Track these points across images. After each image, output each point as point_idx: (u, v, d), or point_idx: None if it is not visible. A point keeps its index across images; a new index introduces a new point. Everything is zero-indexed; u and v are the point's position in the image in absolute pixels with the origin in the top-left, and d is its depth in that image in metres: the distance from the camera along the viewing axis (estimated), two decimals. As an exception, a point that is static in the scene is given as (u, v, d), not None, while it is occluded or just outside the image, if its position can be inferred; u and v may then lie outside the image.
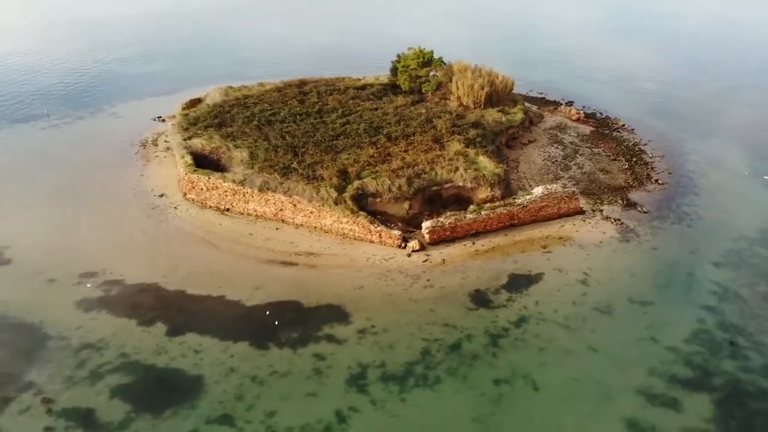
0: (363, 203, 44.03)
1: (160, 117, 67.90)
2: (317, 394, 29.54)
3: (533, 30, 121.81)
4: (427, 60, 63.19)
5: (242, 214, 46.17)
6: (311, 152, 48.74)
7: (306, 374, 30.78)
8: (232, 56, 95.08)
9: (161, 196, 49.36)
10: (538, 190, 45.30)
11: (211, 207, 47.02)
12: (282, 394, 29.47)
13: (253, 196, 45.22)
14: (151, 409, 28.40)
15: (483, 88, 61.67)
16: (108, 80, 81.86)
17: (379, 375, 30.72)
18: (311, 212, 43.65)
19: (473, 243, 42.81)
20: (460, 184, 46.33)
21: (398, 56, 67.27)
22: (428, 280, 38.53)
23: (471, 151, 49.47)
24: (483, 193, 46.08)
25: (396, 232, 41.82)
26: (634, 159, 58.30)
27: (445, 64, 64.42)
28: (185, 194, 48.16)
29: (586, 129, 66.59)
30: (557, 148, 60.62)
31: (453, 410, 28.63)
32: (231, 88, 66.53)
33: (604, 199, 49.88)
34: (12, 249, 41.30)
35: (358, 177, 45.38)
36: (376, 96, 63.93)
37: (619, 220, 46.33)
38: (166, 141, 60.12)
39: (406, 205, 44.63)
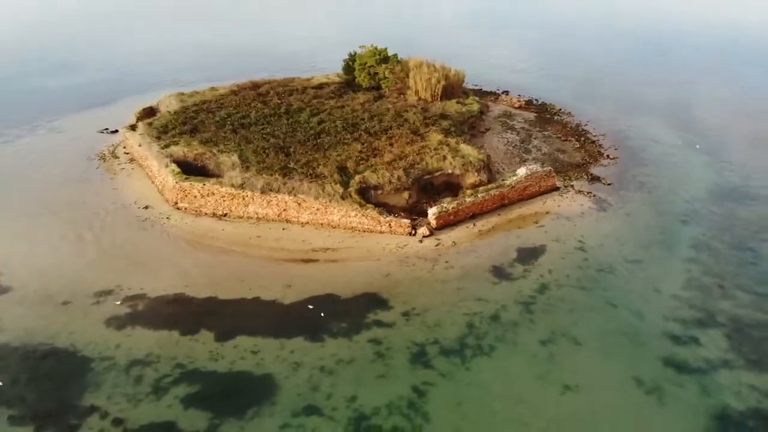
0: (366, 196, 45.49)
1: (108, 129, 64.75)
2: (387, 375, 30.98)
3: (446, 25, 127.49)
4: (383, 57, 65.32)
5: (241, 218, 45.97)
6: (300, 152, 49.32)
7: (369, 358, 32.06)
8: (160, 63, 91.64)
9: (146, 207, 47.79)
10: (521, 171, 49.12)
11: (206, 214, 46.30)
12: (354, 379, 30.58)
13: (253, 199, 45.17)
14: (233, 413, 28.48)
15: (439, 82, 64.91)
16: (33, 94, 76.23)
17: (438, 350, 32.67)
18: (317, 209, 44.45)
19: (474, 225, 45.73)
20: (450, 171, 49.04)
21: (350, 55, 68.98)
22: (447, 261, 40.90)
23: (452, 141, 52.37)
24: (471, 178, 49.10)
25: (405, 221, 43.78)
26: (582, 139, 64.20)
27: (399, 60, 66.87)
28: (176, 203, 46.98)
29: (530, 115, 71.90)
30: (512, 134, 65.12)
31: (515, 372, 31.26)
32: (183, 94, 64.85)
33: (571, 175, 54.82)
34: (5, 275, 38.54)
35: (356, 172, 46.70)
36: (336, 94, 65.12)
37: (590, 192, 51.31)
38: (126, 152, 57.92)
39: (405, 195, 46.65)
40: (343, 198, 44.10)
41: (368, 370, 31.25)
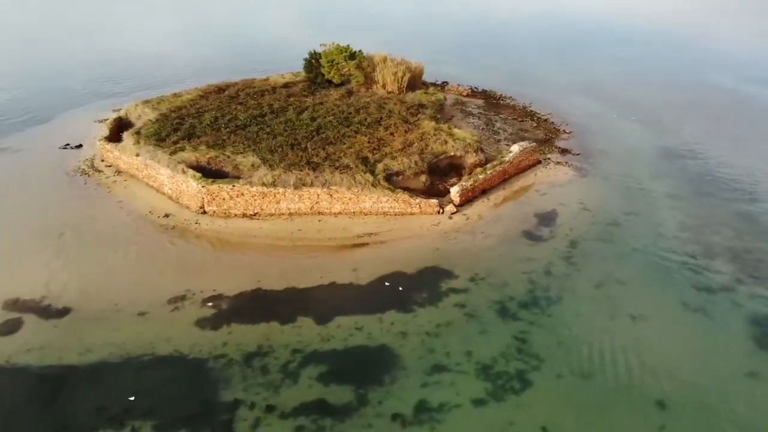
0: (390, 183, 48.56)
1: (69, 144, 61.26)
2: (486, 331, 34.71)
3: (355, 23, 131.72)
4: (351, 54, 68.12)
5: (273, 215, 46.95)
6: (312, 147, 51.10)
7: (463, 320, 35.51)
8: (91, 74, 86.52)
9: (166, 216, 47.06)
10: (515, 148, 54.80)
11: (236, 215, 46.71)
12: (461, 339, 33.97)
13: (285, 195, 46.38)
14: (372, 382, 30.71)
15: (405, 75, 69.03)
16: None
17: (516, 305, 36.93)
18: (349, 199, 46.74)
19: (488, 199, 50.54)
20: (452, 153, 53.41)
21: (311, 53, 70.76)
22: (482, 232, 45.29)
23: (444, 126, 56.80)
24: (471, 158, 53.86)
25: (434, 201, 47.53)
26: (536, 118, 71.63)
27: (365, 56, 69.98)
28: (201, 208, 46.81)
29: (480, 101, 78.28)
30: (474, 119, 70.80)
31: (587, 312, 36.41)
32: (150, 101, 63.20)
33: (544, 150, 61.56)
34: (57, 299, 36.75)
35: (375, 161, 49.57)
36: (309, 92, 66.76)
37: (567, 163, 58.27)
38: (108, 165, 55.70)
39: (423, 178, 50.33)
40: (373, 185, 46.75)
41: (468, 329, 34.73)
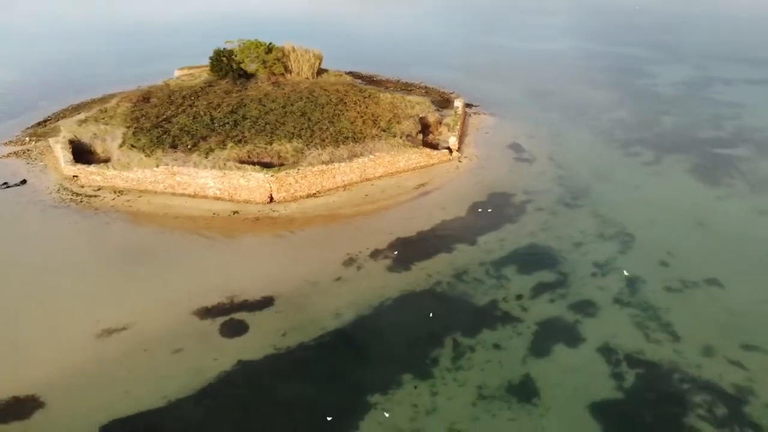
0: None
1: (6, 183, 53.49)
2: (571, 216, 48.25)
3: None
4: (269, 48, 72.04)
5: (331, 189, 51.96)
6: (323, 126, 56.47)
7: (548, 215, 48.15)
8: None
9: (235, 213, 48.30)
10: (458, 103, 68.16)
11: (301, 197, 50.46)
12: (562, 222, 46.92)
13: (340, 169, 51.80)
14: (552, 263, 41.72)
15: (316, 62, 75.89)
16: None
17: (570, 196, 51.00)
18: (389, 161, 54.42)
19: (467, 142, 63.12)
20: (423, 115, 64.37)
21: (218, 51, 72.10)
22: (490, 165, 57.72)
23: (398, 96, 66.97)
24: (432, 117, 65.55)
25: (445, 151, 58.22)
26: (417, 87, 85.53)
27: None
28: (270, 197, 49.18)
29: (362, 81, 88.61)
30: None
31: (588, 229, 52.62)
32: (84, 120, 58.68)
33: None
34: (259, 293, 38.16)
35: (390, 127, 57.81)
36: (240, 87, 68.58)
37: (481, 113, 74.02)
38: (97, 189, 51.88)
39: (419, 136, 60.41)
40: (404, 146, 55.35)
41: (558, 219, 47.64)
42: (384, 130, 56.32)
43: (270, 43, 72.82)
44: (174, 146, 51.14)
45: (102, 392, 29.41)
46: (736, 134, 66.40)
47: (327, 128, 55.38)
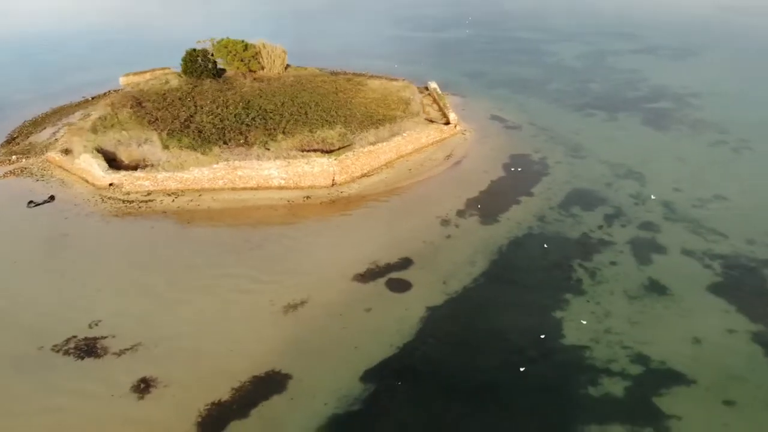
0: (420, 121, 63.43)
1: (32, 201, 50.64)
2: (585, 160, 57.93)
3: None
4: (246, 46, 72.99)
5: (376, 168, 56.37)
6: (344, 113, 60.29)
7: (570, 173, 57.50)
8: None
9: (307, 198, 50.84)
10: (433, 84, 75.10)
11: (356, 177, 54.28)
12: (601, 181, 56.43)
13: (383, 149, 56.35)
14: (598, 203, 50.79)
15: (284, 58, 78.21)
16: None
17: (569, 156, 60.87)
18: (416, 138, 60.03)
19: (455, 118, 70.45)
20: (411, 97, 70.44)
21: (190, 52, 71.61)
22: (489, 135, 65.86)
23: (384, 81, 72.26)
24: (418, 98, 72.03)
25: (452, 125, 65.12)
26: (384, 78, 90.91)
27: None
28: (333, 180, 52.37)
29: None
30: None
31: (605, 172, 63.34)
32: (95, 130, 56.66)
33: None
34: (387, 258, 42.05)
35: (407, 108, 63.14)
36: (226, 86, 69.12)
37: (449, 93, 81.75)
38: (127, 194, 51.12)
39: (423, 114, 66.55)
40: (424, 124, 61.23)
41: (572, 166, 57.07)
42: (403, 111, 61.25)
43: (244, 41, 73.49)
44: (225, 142, 51.66)
45: (336, 354, 32.00)
46: (653, 92, 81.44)
47: (354, 113, 59.05)
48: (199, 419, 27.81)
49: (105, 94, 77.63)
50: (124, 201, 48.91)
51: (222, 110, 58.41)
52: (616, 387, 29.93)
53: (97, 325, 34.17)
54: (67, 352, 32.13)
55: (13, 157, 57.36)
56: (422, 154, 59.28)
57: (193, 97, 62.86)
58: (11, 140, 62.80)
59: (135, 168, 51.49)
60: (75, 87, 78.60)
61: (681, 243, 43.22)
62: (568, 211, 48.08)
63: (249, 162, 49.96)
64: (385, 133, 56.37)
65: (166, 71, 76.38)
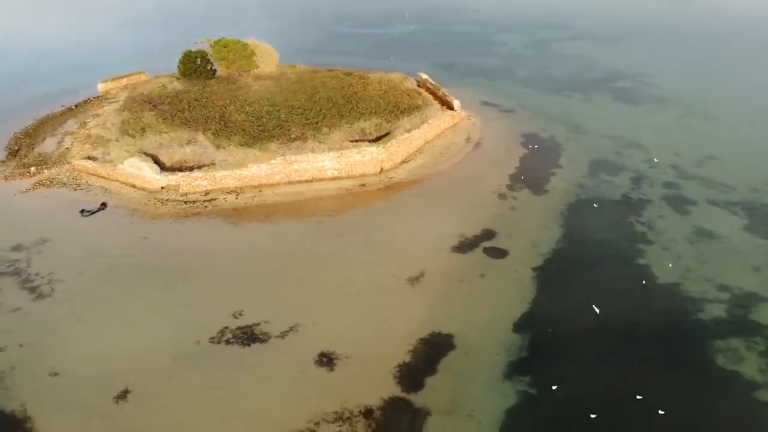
0: (433, 110, 67.50)
1: (84, 210, 49.66)
2: (607, 147, 64.84)
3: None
4: (244, 46, 73.38)
5: (411, 154, 59.83)
6: (370, 107, 63.15)
7: (581, 148, 64.09)
8: None
9: (362, 186, 53.27)
10: (425, 75, 79.43)
11: (398, 164, 57.38)
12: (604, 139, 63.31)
13: (415, 135, 59.71)
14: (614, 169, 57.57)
15: (277, 56, 79.29)
16: None
17: (573, 133, 67.63)
18: (437, 125, 64.10)
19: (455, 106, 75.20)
20: (413, 87, 74.38)
21: (189, 54, 71.20)
22: (494, 118, 71.35)
23: (381, 74, 75.52)
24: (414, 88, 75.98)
25: (459, 111, 69.77)
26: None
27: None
28: (381, 168, 55.26)
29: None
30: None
31: (611, 145, 70.66)
32: (132, 137, 55.97)
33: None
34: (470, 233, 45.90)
35: (423, 97, 66.86)
36: (235, 85, 69.41)
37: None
38: (206, 190, 51.80)
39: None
40: (442, 111, 65.44)
41: (605, 149, 63.74)
42: (422, 101, 64.99)
43: (239, 41, 73.73)
44: (272, 138, 52.88)
45: (479, 313, 35.54)
46: (608, 74, 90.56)
47: (378, 104, 61.96)
48: (395, 380, 30.27)
49: (85, 101, 74.47)
50: (185, 202, 48.84)
51: (248, 108, 58.95)
52: (718, 310, 35.88)
53: (241, 314, 35.09)
54: (228, 342, 33.07)
55: (32, 169, 54.78)
56: (443, 139, 63.26)
57: (209, 98, 62.71)
58: (15, 153, 59.40)
59: (178, 169, 51.31)
60: (40, 97, 73.99)
61: (704, 196, 50.63)
62: (599, 177, 54.19)
63: (304, 155, 51.52)
64: (417, 120, 59.70)
65: (141, 75, 75.77)
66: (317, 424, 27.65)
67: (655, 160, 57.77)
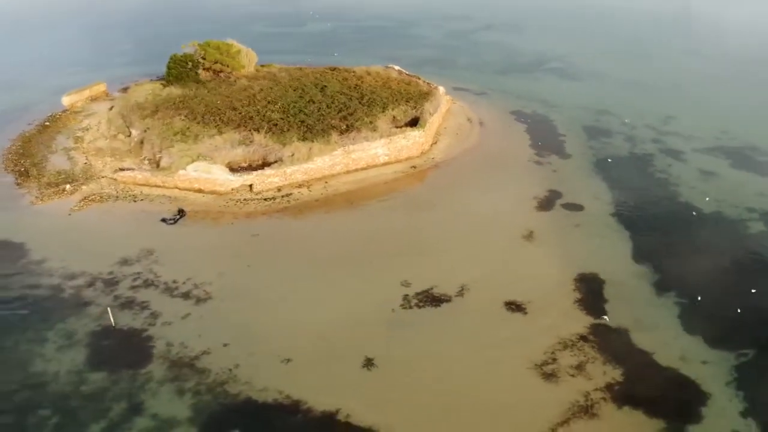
0: (430, 96, 72.94)
1: (165, 218, 48.68)
2: (606, 121, 74.58)
3: None
4: (231, 46, 72.95)
5: (435, 136, 64.90)
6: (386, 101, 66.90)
7: (585, 124, 73.42)
8: None
9: (413, 167, 57.63)
10: (397, 66, 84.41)
11: (431, 145, 62.29)
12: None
13: (436, 119, 64.87)
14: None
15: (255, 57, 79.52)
16: None
17: (570, 113, 76.90)
18: (446, 110, 69.60)
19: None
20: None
21: (176, 58, 69.85)
22: (488, 103, 78.30)
23: (369, 68, 79.26)
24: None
25: (449, 97, 75.85)
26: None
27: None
28: (422, 150, 59.85)
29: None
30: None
31: (607, 118, 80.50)
32: (185, 141, 55.10)
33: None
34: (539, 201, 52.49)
35: (430, 87, 71.80)
36: (234, 85, 69.10)
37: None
38: (278, 186, 53.02)
39: (421, 91, 75.98)
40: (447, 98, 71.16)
41: (606, 122, 73.35)
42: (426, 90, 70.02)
43: (226, 42, 73.12)
44: (323, 132, 55.01)
45: (606, 255, 42.02)
46: (537, 57, 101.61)
47: (390, 94, 66.01)
48: (583, 312, 35.76)
49: (52, 116, 69.06)
50: (264, 199, 49.42)
51: (273, 107, 59.72)
52: (759, 225, 46.00)
53: (409, 284, 38.15)
54: (419, 306, 36.20)
55: (67, 186, 51.31)
56: (448, 122, 68.96)
57: (223, 100, 62.32)
58: (25, 174, 54.60)
59: (247, 169, 51.77)
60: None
61: (686, 146, 61.95)
62: (599, 140, 63.62)
63: (360, 144, 54.33)
64: (434, 105, 64.67)
65: (101, 86, 73.69)
66: (553, 353, 32.22)
67: (627, 121, 68.43)
